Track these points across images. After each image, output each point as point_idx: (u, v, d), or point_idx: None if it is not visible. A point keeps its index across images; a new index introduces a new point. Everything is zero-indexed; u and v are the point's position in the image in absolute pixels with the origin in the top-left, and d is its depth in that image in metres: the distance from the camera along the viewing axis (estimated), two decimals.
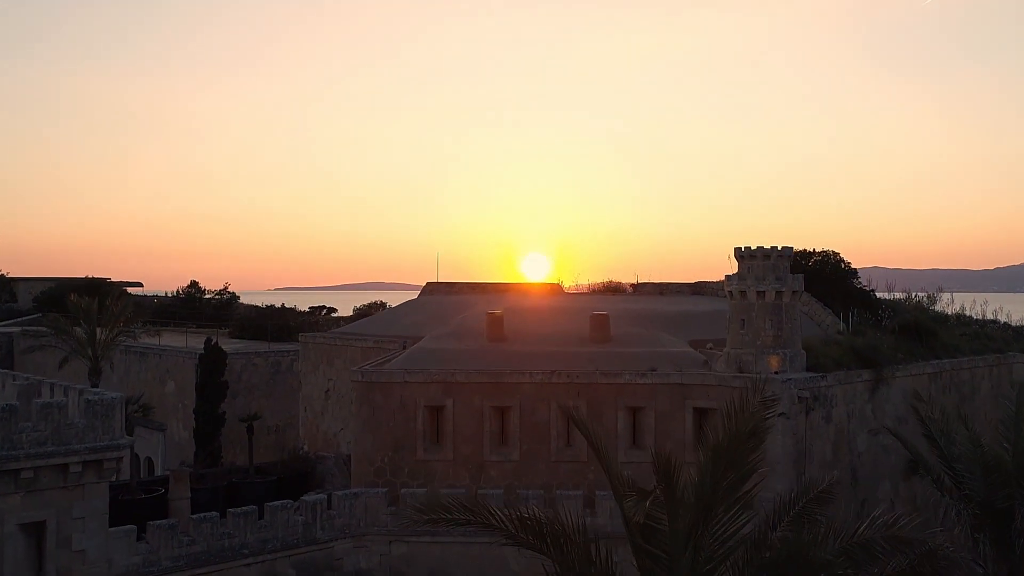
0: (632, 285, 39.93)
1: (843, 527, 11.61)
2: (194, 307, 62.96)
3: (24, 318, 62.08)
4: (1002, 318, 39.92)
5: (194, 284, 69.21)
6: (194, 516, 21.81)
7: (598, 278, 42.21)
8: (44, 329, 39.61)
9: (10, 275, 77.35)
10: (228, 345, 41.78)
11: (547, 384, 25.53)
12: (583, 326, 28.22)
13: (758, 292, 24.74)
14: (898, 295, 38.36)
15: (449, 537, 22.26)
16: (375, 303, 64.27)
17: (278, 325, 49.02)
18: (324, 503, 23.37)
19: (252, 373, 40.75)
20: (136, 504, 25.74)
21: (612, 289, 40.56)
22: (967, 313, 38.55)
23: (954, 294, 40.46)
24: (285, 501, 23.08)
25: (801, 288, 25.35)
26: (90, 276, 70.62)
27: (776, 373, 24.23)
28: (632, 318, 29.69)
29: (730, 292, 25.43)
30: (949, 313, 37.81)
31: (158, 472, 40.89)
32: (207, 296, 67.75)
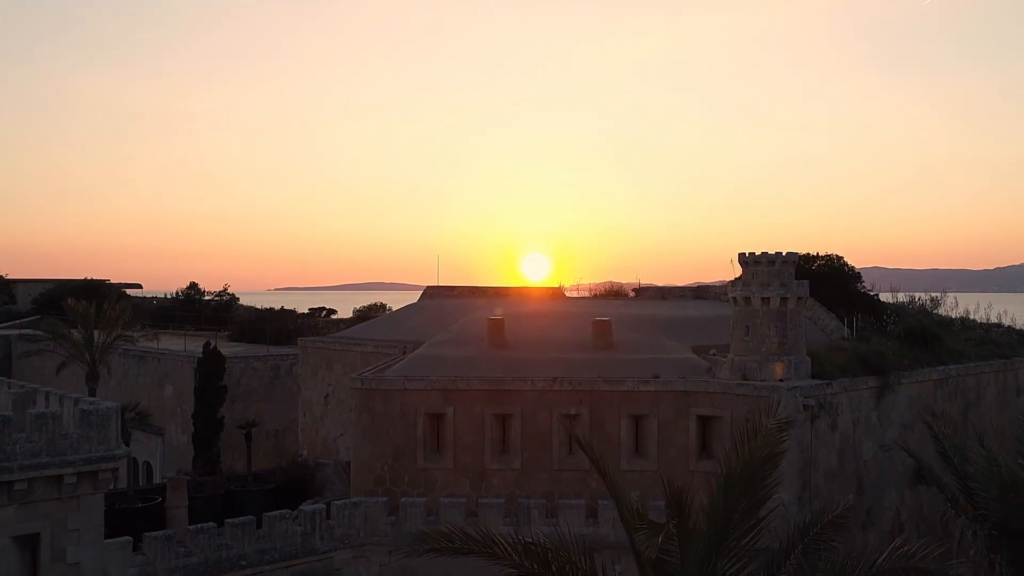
0: (634, 289, 39.67)
1: (861, 556, 11.21)
2: (194, 308, 62.69)
3: (23, 320, 61.84)
4: (1006, 321, 39.64)
5: (193, 286, 68.96)
6: (191, 527, 21.51)
7: (598, 278, 41.99)
8: (41, 333, 39.34)
9: (9, 276, 77.09)
10: (227, 348, 41.54)
11: (549, 392, 25.22)
12: (585, 332, 27.93)
13: (763, 299, 24.42)
14: (901, 298, 38.06)
15: None
16: (375, 304, 64.05)
17: (277, 328, 48.78)
18: (323, 513, 23.05)
19: (251, 377, 40.49)
20: (133, 513, 25.51)
21: (613, 293, 40.31)
22: (972, 317, 38.28)
23: (954, 294, 40.24)
24: (283, 511, 22.77)
25: (806, 294, 25.04)
26: (89, 278, 70.44)
27: (781, 380, 23.94)
28: (634, 323, 29.41)
29: (734, 298, 25.10)
30: (953, 317, 37.53)
31: (157, 477, 40.66)
32: (207, 298, 67.49)
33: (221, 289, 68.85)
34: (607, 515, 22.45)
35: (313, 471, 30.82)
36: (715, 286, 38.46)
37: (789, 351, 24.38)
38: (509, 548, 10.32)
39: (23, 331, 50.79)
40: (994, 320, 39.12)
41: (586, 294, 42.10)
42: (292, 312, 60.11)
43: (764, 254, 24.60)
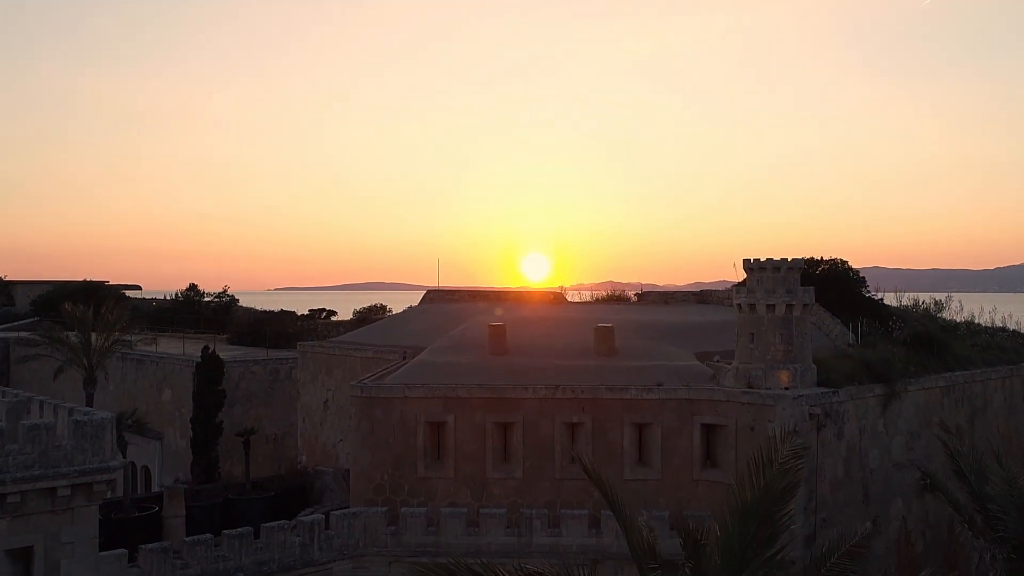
0: (636, 294, 39.33)
1: None
2: (193, 310, 62.28)
3: (21, 322, 61.49)
4: (1011, 326, 39.30)
5: (193, 287, 68.52)
6: (188, 539, 21.21)
7: (598, 278, 41.72)
8: (39, 337, 39.01)
9: (8, 278, 76.74)
10: (226, 352, 41.20)
11: (551, 399, 24.88)
12: (587, 338, 27.57)
13: (768, 306, 24.09)
14: (905, 301, 37.74)
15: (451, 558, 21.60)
16: (375, 305, 63.67)
17: (276, 331, 48.44)
18: (322, 523, 22.75)
19: (250, 381, 40.15)
20: (129, 523, 25.18)
21: (615, 296, 39.96)
22: (977, 321, 37.94)
23: (955, 294, 39.94)
24: (281, 522, 22.46)
25: (812, 301, 24.68)
26: (88, 279, 70.06)
27: (786, 389, 23.61)
28: (637, 329, 29.04)
29: (739, 305, 24.77)
30: (958, 321, 37.20)
31: (155, 481, 40.32)
32: (206, 299, 67.08)
33: (221, 290, 68.44)
34: (610, 525, 22.15)
35: (312, 479, 30.48)
36: (718, 291, 38.11)
37: (795, 359, 24.04)
38: None
39: (21, 334, 50.46)
40: (999, 324, 38.77)
41: (587, 295, 41.76)
42: (292, 314, 59.71)
43: (769, 260, 24.26)
